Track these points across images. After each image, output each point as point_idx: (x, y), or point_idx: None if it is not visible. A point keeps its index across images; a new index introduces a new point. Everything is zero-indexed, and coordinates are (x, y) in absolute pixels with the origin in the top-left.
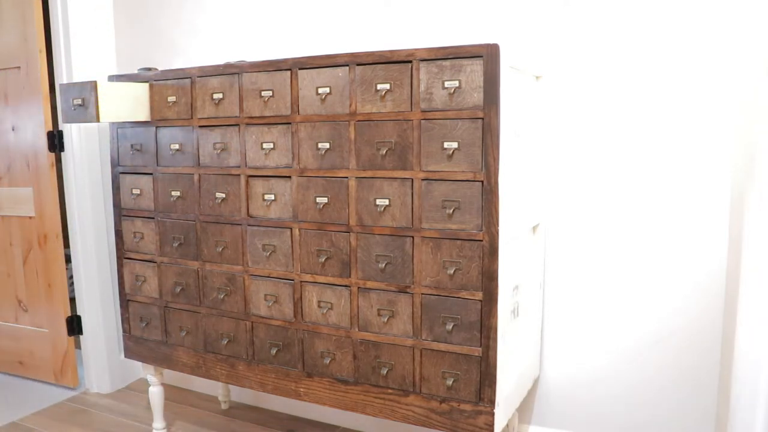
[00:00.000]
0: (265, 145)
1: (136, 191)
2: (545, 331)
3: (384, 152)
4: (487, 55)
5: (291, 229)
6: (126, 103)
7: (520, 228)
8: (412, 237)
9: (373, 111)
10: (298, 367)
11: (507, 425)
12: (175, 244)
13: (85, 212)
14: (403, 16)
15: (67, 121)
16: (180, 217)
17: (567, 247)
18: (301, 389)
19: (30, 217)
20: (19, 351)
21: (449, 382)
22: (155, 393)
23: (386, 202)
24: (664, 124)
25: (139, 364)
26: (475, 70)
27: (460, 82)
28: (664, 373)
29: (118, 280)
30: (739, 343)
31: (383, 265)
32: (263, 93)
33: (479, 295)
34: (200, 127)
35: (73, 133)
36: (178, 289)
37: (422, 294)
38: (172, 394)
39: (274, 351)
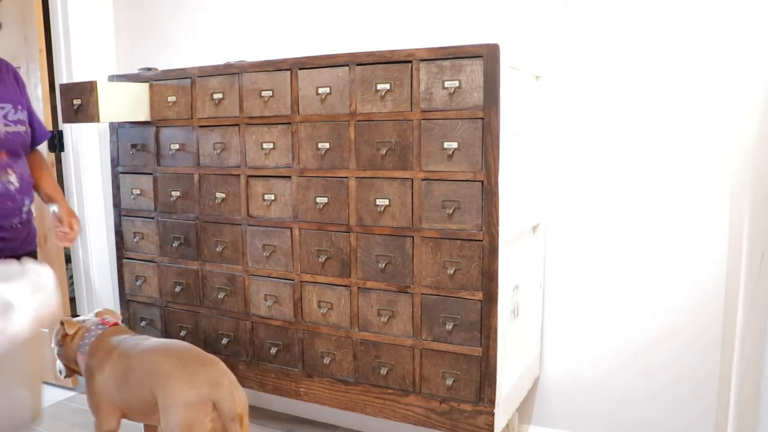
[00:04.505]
0: (265, 145)
1: (136, 191)
2: (545, 331)
3: (384, 152)
4: (487, 55)
5: (291, 229)
6: (126, 103)
7: (520, 228)
8: (412, 237)
9: (373, 111)
10: (298, 367)
11: (507, 425)
12: (175, 244)
13: (84, 212)
14: (403, 16)
15: (67, 121)
16: (180, 217)
17: (567, 247)
18: (301, 389)
19: None
20: None
21: (449, 382)
22: None
23: (386, 202)
24: (663, 124)
25: None
26: (475, 70)
27: (460, 82)
28: (664, 372)
29: (118, 280)
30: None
31: (383, 265)
32: (263, 93)
33: (479, 295)
34: (200, 127)
35: (73, 133)
36: (178, 289)
37: (422, 294)
38: None
39: (274, 351)
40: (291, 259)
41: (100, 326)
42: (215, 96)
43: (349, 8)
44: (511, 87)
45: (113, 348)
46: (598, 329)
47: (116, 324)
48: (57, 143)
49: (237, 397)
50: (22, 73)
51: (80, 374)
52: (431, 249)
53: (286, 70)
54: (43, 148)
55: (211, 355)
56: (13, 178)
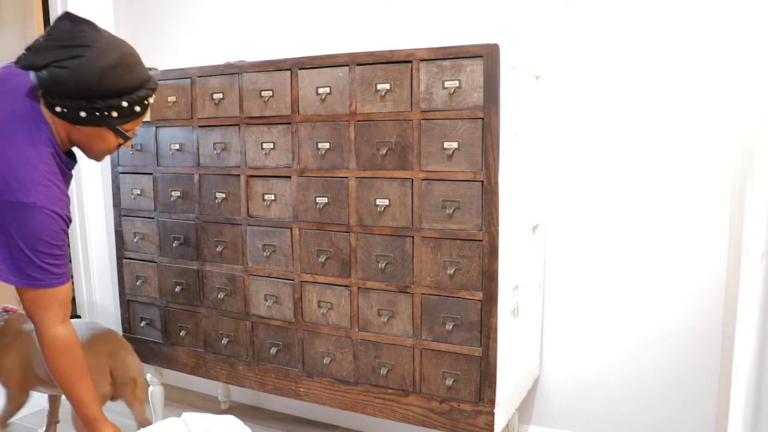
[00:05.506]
0: (265, 145)
1: (136, 191)
2: (545, 331)
3: (384, 152)
4: (487, 55)
5: (291, 229)
6: None
7: (520, 228)
8: (412, 237)
9: (373, 111)
10: (298, 367)
11: (507, 425)
12: (175, 244)
13: (85, 212)
14: (403, 16)
15: None
16: (180, 217)
17: (567, 247)
18: (301, 389)
19: None
20: None
21: (449, 382)
22: (155, 393)
23: (386, 202)
24: (664, 125)
25: None
26: (475, 70)
27: (460, 82)
28: (664, 373)
29: (118, 280)
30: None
31: (383, 265)
32: (263, 93)
33: (479, 295)
34: (200, 127)
35: None
36: (178, 289)
37: (422, 294)
38: (172, 394)
39: (274, 351)
40: (291, 259)
41: (5, 313)
42: (215, 96)
43: (349, 8)
44: (511, 87)
45: (20, 329)
46: (598, 329)
47: (17, 311)
48: None
49: (131, 363)
50: None
51: None
52: (431, 249)
53: (286, 70)
54: None
55: (110, 329)
56: None
